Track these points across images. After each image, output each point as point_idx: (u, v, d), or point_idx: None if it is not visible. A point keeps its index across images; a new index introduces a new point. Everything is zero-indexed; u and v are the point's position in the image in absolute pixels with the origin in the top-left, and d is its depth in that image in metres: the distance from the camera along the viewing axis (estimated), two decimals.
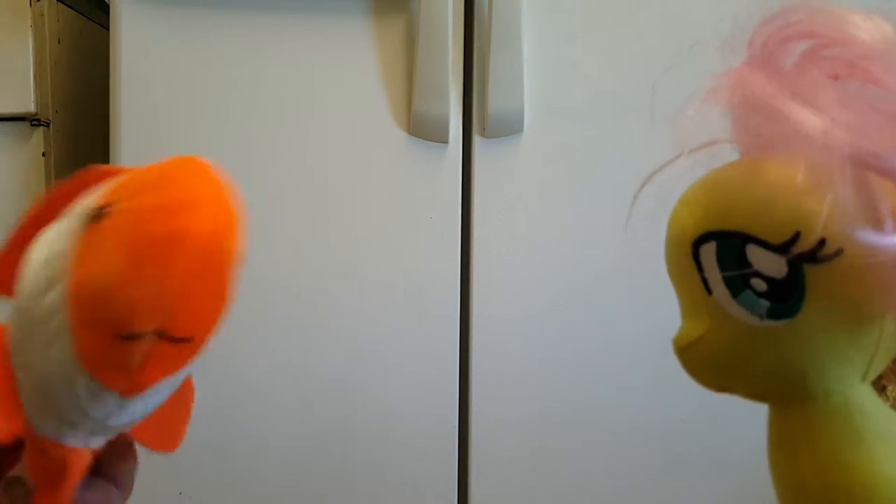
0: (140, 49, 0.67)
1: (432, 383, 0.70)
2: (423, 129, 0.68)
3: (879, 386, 0.30)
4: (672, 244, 0.28)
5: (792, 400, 0.27)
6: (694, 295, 0.27)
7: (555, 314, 0.70)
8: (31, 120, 0.76)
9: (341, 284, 0.69)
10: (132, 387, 0.28)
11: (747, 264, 0.25)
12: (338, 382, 0.69)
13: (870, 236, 0.23)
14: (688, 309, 0.28)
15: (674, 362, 0.31)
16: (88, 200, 0.28)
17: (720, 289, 0.26)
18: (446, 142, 0.68)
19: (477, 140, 0.69)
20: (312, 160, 0.68)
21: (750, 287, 0.25)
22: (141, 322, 0.26)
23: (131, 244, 0.26)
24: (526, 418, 0.71)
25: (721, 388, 0.28)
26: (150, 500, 0.69)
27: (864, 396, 0.27)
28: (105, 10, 0.73)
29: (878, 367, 0.27)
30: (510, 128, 0.68)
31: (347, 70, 0.68)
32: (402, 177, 0.68)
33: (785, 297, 0.25)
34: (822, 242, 0.24)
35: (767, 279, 0.25)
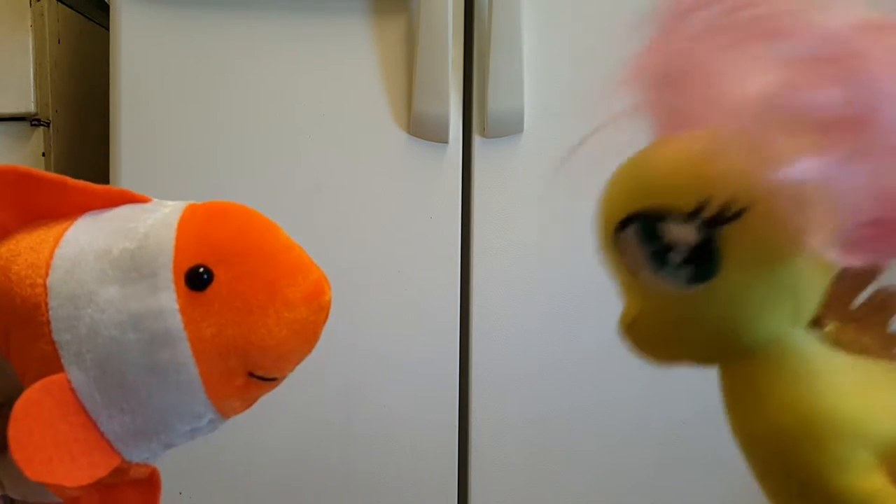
0: (140, 49, 0.67)
1: (432, 384, 0.70)
2: (423, 129, 0.68)
3: (820, 325, 0.31)
4: (599, 232, 0.29)
5: (733, 357, 0.28)
6: (624, 276, 0.29)
7: (555, 314, 0.70)
8: (31, 120, 0.76)
9: (341, 284, 0.69)
10: (233, 413, 0.35)
11: (663, 238, 0.26)
12: (337, 383, 0.69)
13: (774, 175, 0.24)
14: (623, 290, 0.30)
15: None
16: (163, 256, 0.32)
17: (644, 267, 0.27)
18: (446, 142, 0.68)
19: (477, 140, 0.69)
20: (312, 160, 0.68)
21: (669, 260, 0.27)
22: (268, 370, 0.34)
23: (248, 308, 0.32)
24: (526, 419, 0.71)
25: (668, 359, 0.30)
26: None
27: (799, 339, 0.28)
28: (105, 10, 0.73)
29: (808, 309, 0.28)
30: (510, 128, 0.68)
31: (347, 70, 0.68)
32: (402, 177, 0.68)
33: (703, 261, 0.26)
34: (727, 203, 0.25)
35: (684, 249, 0.26)
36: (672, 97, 0.28)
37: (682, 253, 0.26)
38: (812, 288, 0.28)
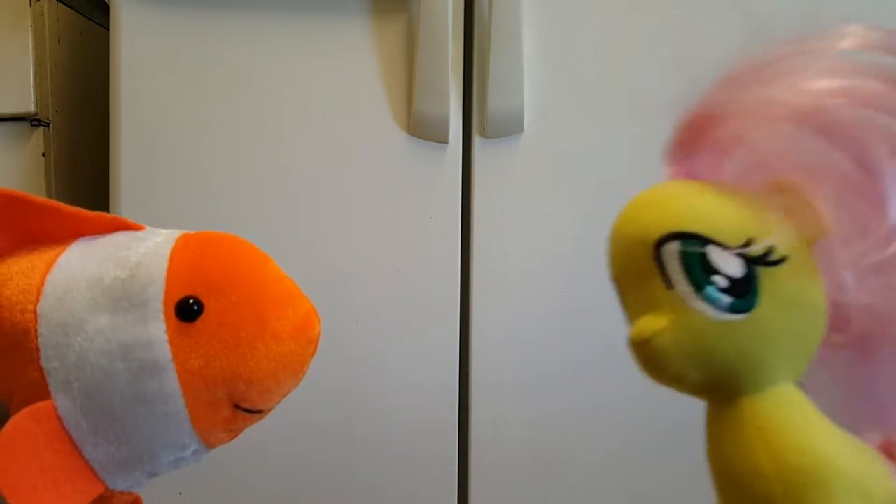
0: (140, 49, 0.67)
1: (432, 385, 0.70)
2: (423, 129, 0.68)
3: None
4: (631, 244, 0.31)
5: (740, 392, 0.30)
6: (654, 292, 0.30)
7: (555, 315, 0.70)
8: (31, 120, 0.76)
9: (340, 284, 0.69)
10: (218, 444, 0.36)
11: (708, 263, 0.28)
12: (337, 384, 0.69)
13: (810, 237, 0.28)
14: (646, 306, 0.31)
15: None
16: (154, 287, 0.32)
17: (683, 284, 0.29)
18: (446, 142, 0.68)
19: (477, 140, 0.69)
20: (312, 160, 0.68)
21: (712, 283, 0.28)
22: (254, 403, 0.34)
23: (237, 341, 0.32)
24: (526, 420, 0.71)
25: (675, 379, 0.31)
26: (150, 500, 0.69)
27: (796, 390, 0.30)
28: (105, 10, 0.73)
29: (804, 368, 0.30)
30: (510, 128, 0.68)
31: (347, 70, 0.68)
32: (402, 177, 0.68)
33: (742, 294, 0.28)
34: (771, 249, 0.28)
35: (727, 277, 0.28)
36: (698, 153, 0.31)
37: (724, 281, 0.28)
38: (816, 346, 0.30)
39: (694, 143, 0.31)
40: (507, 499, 0.71)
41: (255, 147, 0.68)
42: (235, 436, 0.36)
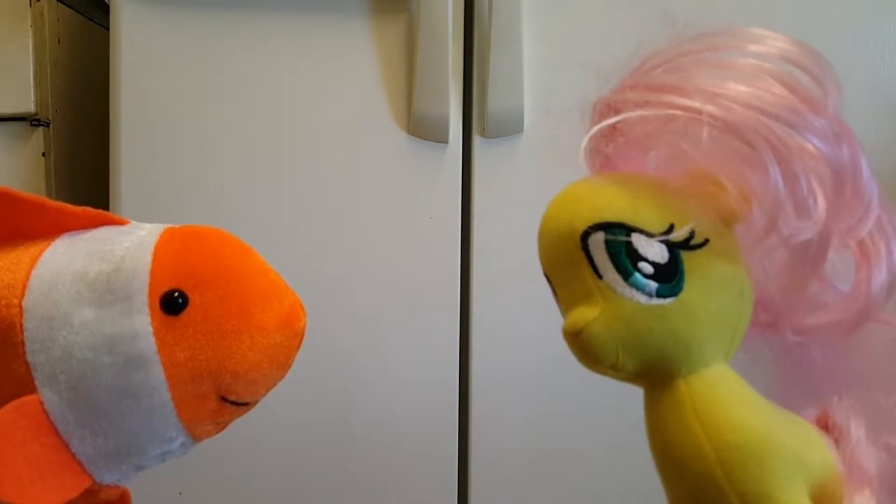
0: (140, 49, 0.67)
1: (432, 384, 0.70)
2: (423, 129, 0.68)
3: None
4: (558, 238, 0.32)
5: (675, 375, 0.30)
6: (584, 283, 0.31)
7: (554, 314, 0.70)
8: (31, 120, 0.76)
9: (341, 284, 0.69)
10: (205, 437, 0.35)
11: (633, 251, 0.29)
12: (337, 383, 0.69)
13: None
14: (577, 297, 0.32)
15: None
16: (139, 280, 0.33)
17: (611, 273, 0.30)
18: (446, 142, 0.68)
19: (477, 140, 0.69)
20: (312, 160, 0.68)
21: (638, 270, 0.29)
22: (240, 395, 0.34)
23: (222, 333, 0.33)
24: (526, 419, 0.71)
25: (611, 367, 0.31)
26: (149, 500, 0.69)
27: (728, 369, 0.31)
28: (105, 10, 0.73)
29: (737, 343, 0.31)
30: (510, 128, 0.68)
31: (347, 70, 0.68)
32: (402, 177, 0.68)
33: (668, 279, 0.29)
34: (692, 233, 0.29)
35: (652, 263, 0.29)
36: (610, 147, 0.32)
37: (650, 267, 0.29)
38: (745, 325, 0.31)
39: (609, 140, 0.33)
40: (507, 498, 0.71)
41: (255, 147, 0.68)
42: (222, 428, 0.36)
